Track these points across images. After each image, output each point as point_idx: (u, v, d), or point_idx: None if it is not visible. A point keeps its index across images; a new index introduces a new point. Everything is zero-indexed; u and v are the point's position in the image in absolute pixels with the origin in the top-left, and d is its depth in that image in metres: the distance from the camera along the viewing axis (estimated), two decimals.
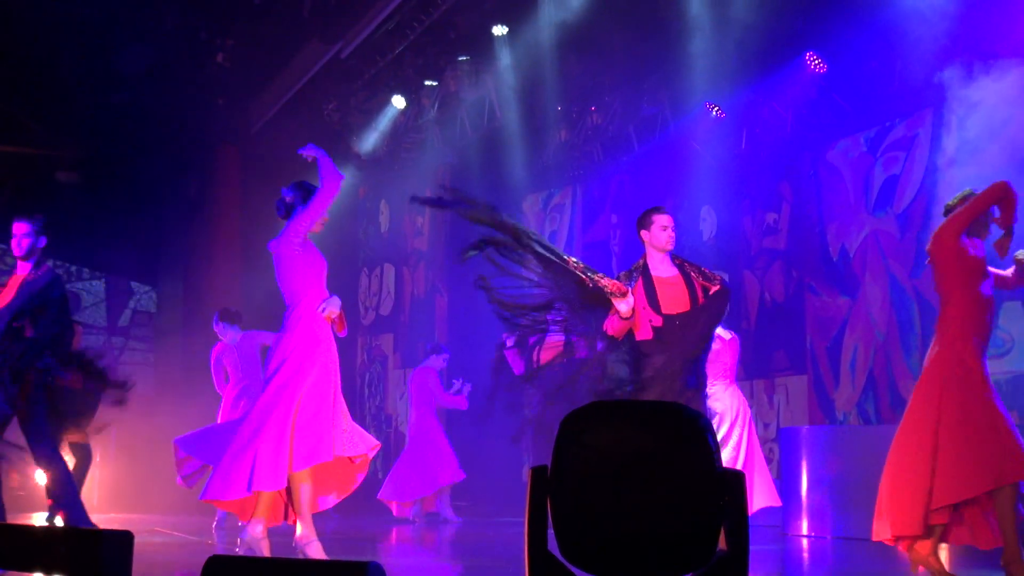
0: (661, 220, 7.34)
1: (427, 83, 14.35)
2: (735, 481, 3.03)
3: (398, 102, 14.63)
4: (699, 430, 3.04)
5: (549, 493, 3.04)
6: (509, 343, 10.20)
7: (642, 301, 7.13)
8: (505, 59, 13.08)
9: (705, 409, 7.11)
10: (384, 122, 15.26)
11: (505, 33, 12.71)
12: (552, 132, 14.19)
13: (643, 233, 7.41)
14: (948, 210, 6.87)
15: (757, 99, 11.71)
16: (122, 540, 4.00)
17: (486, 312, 15.08)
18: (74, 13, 12.59)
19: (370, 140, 15.56)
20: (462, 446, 14.69)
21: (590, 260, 14.06)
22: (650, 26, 11.84)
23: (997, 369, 9.67)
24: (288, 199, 7.55)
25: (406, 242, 16.31)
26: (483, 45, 13.13)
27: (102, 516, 12.40)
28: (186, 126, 14.88)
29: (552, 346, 9.99)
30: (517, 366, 9.80)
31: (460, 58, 13.78)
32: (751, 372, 11.85)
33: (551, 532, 3.06)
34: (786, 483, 9.67)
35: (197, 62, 14.15)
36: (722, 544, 3.08)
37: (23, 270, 7.71)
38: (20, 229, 7.73)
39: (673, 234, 7.34)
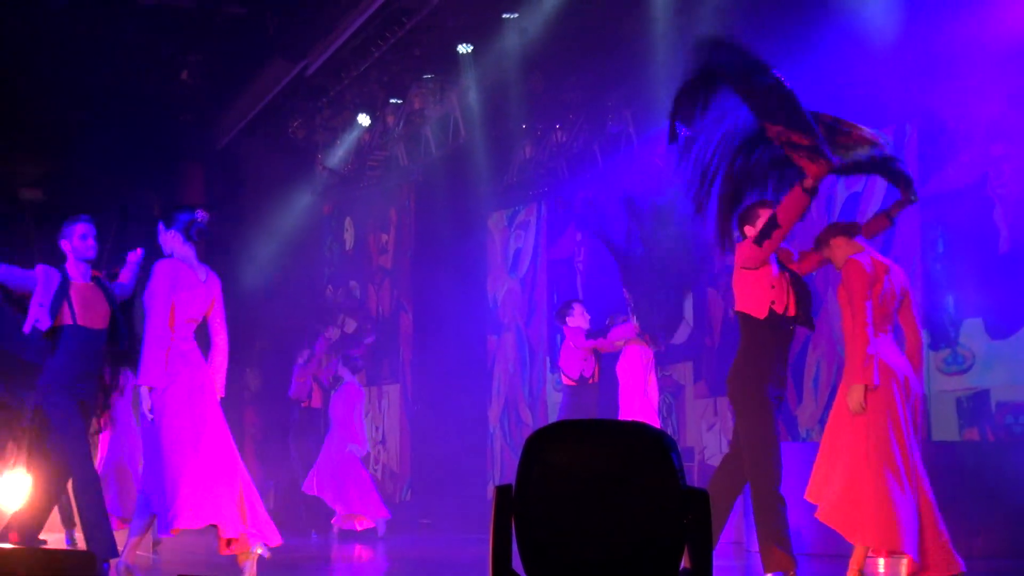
0: (767, 215, 6.68)
1: (392, 101, 14.36)
2: (699, 499, 3.05)
3: (363, 120, 14.62)
4: (663, 449, 3.05)
5: (514, 512, 3.04)
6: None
7: (773, 278, 6.68)
8: (470, 77, 13.11)
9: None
10: (349, 139, 15.25)
11: (470, 51, 12.73)
12: (517, 149, 14.23)
13: (747, 229, 6.75)
14: (835, 228, 6.76)
15: (721, 117, 11.75)
16: (85, 560, 3.99)
17: (449, 329, 15.14)
18: (37, 28, 12.52)
19: (335, 157, 15.54)
20: (426, 462, 14.69)
21: (554, 277, 14.14)
22: (614, 44, 11.89)
23: (959, 385, 9.76)
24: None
25: (371, 259, 16.29)
26: (448, 63, 13.15)
27: (60, 535, 12.28)
28: (150, 143, 14.82)
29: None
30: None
31: (425, 76, 13.80)
32: (715, 388, 11.88)
33: (516, 551, 3.06)
34: (749, 499, 9.67)
35: (161, 79, 14.10)
36: (686, 562, 3.09)
37: (86, 275, 7.19)
38: (89, 228, 7.16)
39: None
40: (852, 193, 10.87)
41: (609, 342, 10.21)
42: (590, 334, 10.32)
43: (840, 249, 6.67)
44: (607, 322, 10.48)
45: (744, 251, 6.67)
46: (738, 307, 6.78)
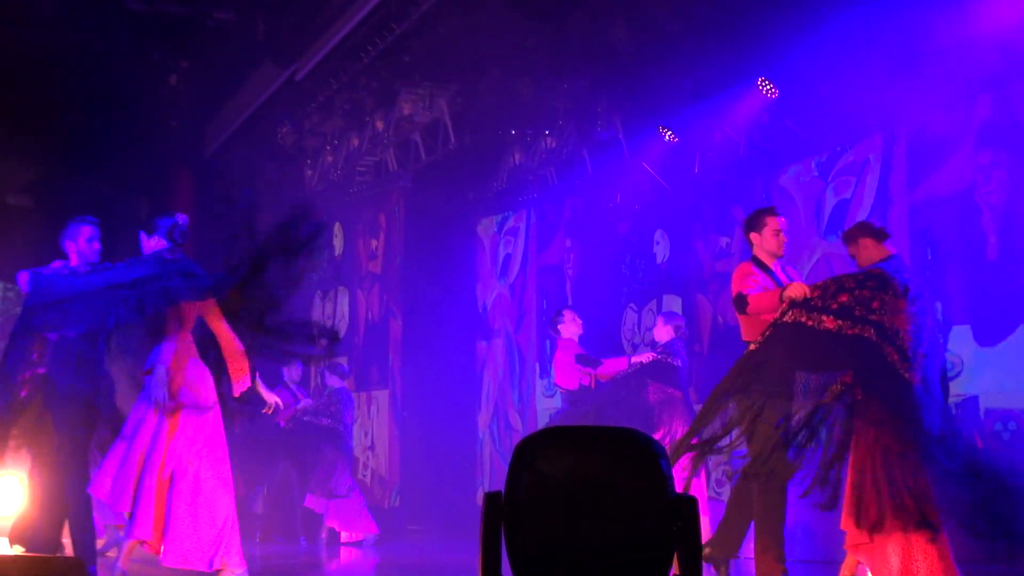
0: (774, 223, 6.87)
1: (381, 106, 14.35)
2: (688, 506, 3.06)
3: (352, 125, 14.61)
4: (652, 455, 3.06)
5: (503, 519, 3.05)
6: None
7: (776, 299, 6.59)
8: (459, 83, 13.10)
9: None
10: (338, 145, 15.24)
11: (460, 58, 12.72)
12: (506, 156, 14.23)
13: (753, 236, 6.89)
14: (865, 228, 6.80)
15: (709, 124, 11.79)
16: (74, 567, 3.99)
17: (438, 335, 15.12)
18: (25, 33, 12.51)
19: (324, 163, 15.54)
20: (415, 468, 14.67)
21: (544, 283, 14.15)
22: (603, 50, 11.91)
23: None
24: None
25: (360, 265, 16.29)
26: (437, 69, 13.15)
27: None
28: (139, 148, 14.80)
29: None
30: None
31: (415, 82, 13.79)
32: (704, 395, 11.86)
33: (505, 558, 3.07)
34: None
35: (150, 83, 14.08)
36: (675, 568, 3.10)
37: None
38: (95, 231, 7.13)
39: (786, 238, 6.89)
40: (841, 200, 10.89)
41: (601, 373, 10.14)
42: (582, 358, 10.26)
43: (867, 250, 6.69)
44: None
45: (737, 277, 6.71)
46: (745, 337, 6.82)
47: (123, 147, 14.59)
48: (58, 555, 8.55)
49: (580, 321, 10.52)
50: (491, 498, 3.08)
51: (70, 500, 6.85)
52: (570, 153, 13.45)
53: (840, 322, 6.18)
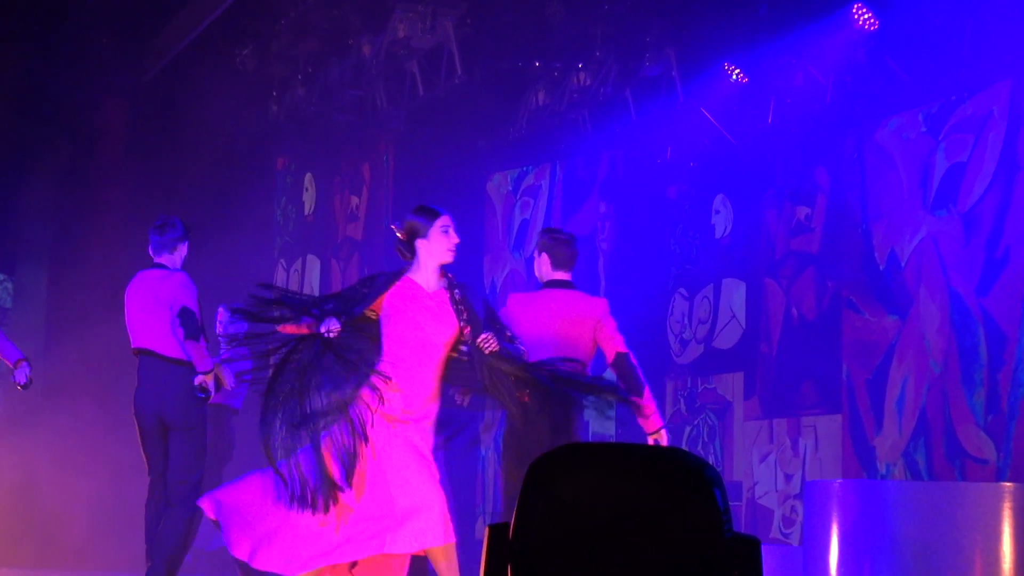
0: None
1: (370, 27, 14.33)
2: (748, 549, 3.04)
3: (331, 50, 14.60)
4: (704, 483, 3.04)
5: (511, 558, 3.04)
6: None
7: None
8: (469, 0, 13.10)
9: None
10: (313, 74, 15.23)
11: None
12: (528, 94, 14.20)
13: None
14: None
15: (789, 61, 11.75)
16: None
17: None
18: None
19: (294, 96, 15.52)
20: None
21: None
22: None
23: None
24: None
25: (336, 228, 16.30)
26: None
27: None
28: (59, 75, 14.81)
29: None
30: None
31: None
32: (770, 409, 11.87)
33: None
34: (810, 550, 9.69)
35: None
36: None
37: None
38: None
39: None
40: (955, 164, 10.84)
41: None
42: None
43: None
44: None
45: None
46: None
47: (40, 70, 14.60)
48: None
49: None
50: (496, 532, 3.07)
51: None
52: (609, 94, 13.41)
53: None
